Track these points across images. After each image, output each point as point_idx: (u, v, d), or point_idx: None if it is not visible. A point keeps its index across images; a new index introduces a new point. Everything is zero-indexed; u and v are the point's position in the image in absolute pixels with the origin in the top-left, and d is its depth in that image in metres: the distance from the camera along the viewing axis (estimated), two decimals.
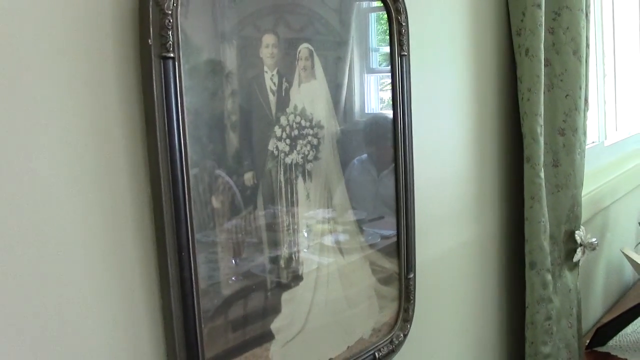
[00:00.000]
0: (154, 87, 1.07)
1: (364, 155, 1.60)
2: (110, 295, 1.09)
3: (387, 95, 1.65)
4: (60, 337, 1.02)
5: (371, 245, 1.63)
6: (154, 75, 1.07)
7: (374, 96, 1.66)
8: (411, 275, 1.74)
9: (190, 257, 1.12)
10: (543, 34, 2.19)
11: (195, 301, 1.14)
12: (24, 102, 0.96)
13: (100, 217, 1.06)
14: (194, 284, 1.14)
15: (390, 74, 1.64)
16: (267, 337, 1.36)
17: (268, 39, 1.31)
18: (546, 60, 2.28)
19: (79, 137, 1.03)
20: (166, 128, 1.08)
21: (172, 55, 1.08)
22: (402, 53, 1.64)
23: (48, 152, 0.99)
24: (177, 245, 1.11)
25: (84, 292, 1.05)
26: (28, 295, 0.97)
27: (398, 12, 1.61)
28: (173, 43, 1.08)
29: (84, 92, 1.03)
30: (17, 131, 0.95)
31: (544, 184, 2.25)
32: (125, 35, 1.08)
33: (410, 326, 1.75)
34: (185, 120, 1.11)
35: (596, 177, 3.24)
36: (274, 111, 1.33)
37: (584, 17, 2.38)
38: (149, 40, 1.07)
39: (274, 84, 1.32)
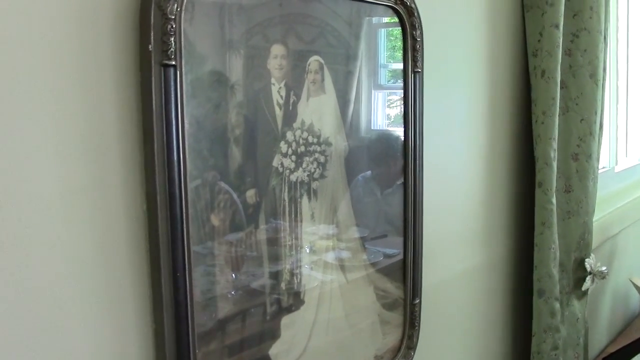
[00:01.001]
0: (153, 96, 1.00)
1: (370, 173, 1.53)
2: (98, 316, 1.02)
3: (397, 112, 1.59)
4: (42, 353, 0.95)
5: (376, 269, 1.56)
6: (153, 83, 1.00)
7: (382, 113, 1.59)
8: (417, 301, 1.67)
9: (185, 279, 1.05)
10: (560, 55, 2.13)
11: (190, 325, 1.07)
12: (12, 109, 0.89)
13: (90, 233, 0.99)
14: (188, 307, 1.07)
15: (402, 91, 1.57)
16: None
17: (277, 49, 1.24)
18: (562, 82, 2.22)
19: (72, 147, 0.96)
20: (164, 140, 1.02)
21: (173, 62, 1.02)
22: (416, 69, 1.57)
23: (38, 163, 0.92)
24: (173, 265, 1.04)
25: (70, 312, 0.98)
26: (14, 314, 0.91)
27: (413, 27, 1.55)
28: (175, 50, 1.02)
29: (79, 100, 0.96)
30: (6, 140, 0.88)
31: (555, 210, 2.18)
32: (125, 40, 1.02)
33: (414, 354, 1.68)
34: (186, 132, 1.04)
35: (605, 204, 3.16)
36: (280, 126, 1.26)
37: (602, 39, 2.32)
38: (150, 46, 1.00)
39: (281, 97, 1.26)
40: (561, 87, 2.21)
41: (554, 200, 2.16)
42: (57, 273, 0.95)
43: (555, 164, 2.16)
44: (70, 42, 0.95)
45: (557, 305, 2.24)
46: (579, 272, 2.45)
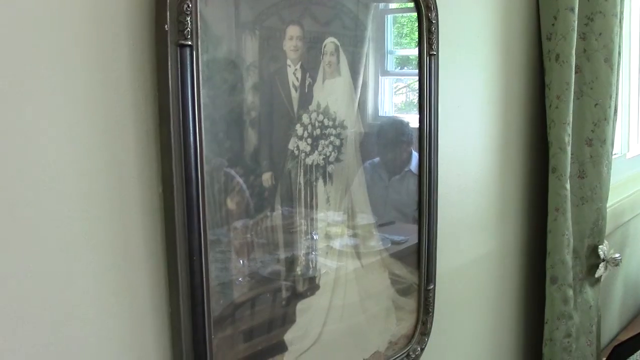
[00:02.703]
0: (170, 76, 0.99)
1: (386, 158, 1.51)
2: (113, 301, 1.00)
3: (413, 96, 1.56)
4: (62, 341, 0.94)
5: (391, 254, 1.54)
6: (169, 63, 0.98)
7: (398, 97, 1.57)
8: (431, 287, 1.66)
9: (202, 263, 1.04)
10: (575, 39, 2.10)
11: (205, 310, 1.06)
12: (27, 92, 0.87)
13: (105, 216, 0.98)
14: (204, 291, 1.05)
15: (417, 74, 1.55)
16: (279, 348, 1.27)
17: (292, 30, 1.22)
18: (576, 67, 2.19)
19: (86, 129, 0.94)
20: (181, 122, 1.00)
21: (189, 43, 1.00)
22: (431, 52, 1.55)
23: (51, 146, 0.90)
24: (189, 249, 1.03)
25: (85, 298, 0.96)
26: (31, 295, 0.89)
27: (429, 8, 1.52)
28: (191, 30, 1.00)
29: (93, 81, 0.95)
30: (21, 123, 0.87)
31: (569, 196, 2.16)
32: (141, 20, 1.00)
33: (427, 340, 1.66)
34: (202, 114, 1.02)
35: (617, 191, 3.13)
36: (295, 108, 1.24)
37: (617, 22, 2.29)
38: (165, 26, 0.98)
39: (297, 79, 1.24)
40: (575, 72, 2.18)
41: (567, 186, 2.14)
42: (71, 257, 0.94)
43: (569, 149, 2.13)
44: (85, 22, 0.93)
45: (570, 292, 2.22)
46: (592, 259, 2.43)
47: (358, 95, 1.42)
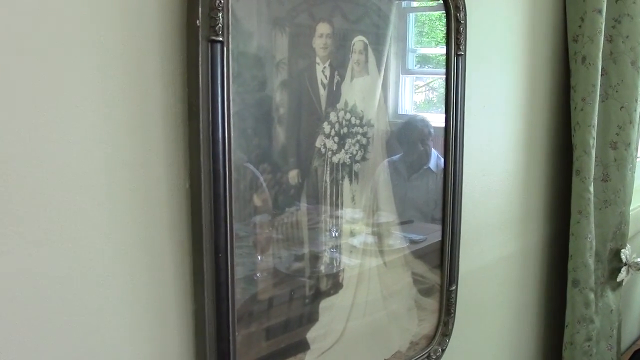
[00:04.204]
0: (200, 72, 0.98)
1: (407, 156, 1.50)
2: (138, 297, 1.00)
3: (432, 94, 1.56)
4: (83, 330, 0.94)
5: (414, 254, 1.53)
6: (200, 59, 0.98)
7: (424, 96, 1.56)
8: (453, 287, 1.65)
9: (227, 260, 1.04)
10: (602, 41, 2.08)
11: (230, 307, 1.05)
12: (56, 86, 0.87)
13: (133, 210, 0.97)
14: (230, 288, 1.05)
15: (445, 74, 1.54)
16: (302, 346, 1.27)
17: (322, 28, 1.22)
18: (602, 69, 2.17)
19: (117, 122, 0.94)
20: (210, 117, 0.99)
21: (220, 39, 0.99)
22: (459, 52, 1.54)
23: (82, 139, 0.90)
24: (215, 245, 1.02)
25: (109, 292, 0.96)
26: (54, 293, 0.89)
27: (457, 9, 1.51)
28: (223, 26, 1.00)
29: (123, 75, 0.94)
30: (53, 115, 0.87)
31: (592, 199, 2.14)
32: (173, 15, 1.00)
33: (449, 341, 1.66)
34: (231, 110, 1.02)
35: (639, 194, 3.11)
36: (323, 106, 1.24)
37: None
38: (197, 21, 0.98)
39: (326, 77, 1.23)
40: (601, 74, 2.16)
41: (591, 189, 2.13)
42: (98, 251, 0.94)
43: (593, 152, 2.12)
44: (116, 16, 0.93)
45: (592, 295, 2.21)
46: (614, 263, 2.41)
47: (394, 93, 1.41)
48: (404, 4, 1.44)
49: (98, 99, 0.92)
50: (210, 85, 0.99)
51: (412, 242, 1.56)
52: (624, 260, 2.39)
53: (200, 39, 0.98)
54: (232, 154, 1.03)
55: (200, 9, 0.98)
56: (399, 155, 1.49)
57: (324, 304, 1.30)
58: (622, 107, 2.25)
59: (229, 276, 1.04)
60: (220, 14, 0.99)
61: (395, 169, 1.47)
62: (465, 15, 1.54)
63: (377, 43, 1.36)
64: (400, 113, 1.50)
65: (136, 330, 1.01)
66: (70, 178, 0.90)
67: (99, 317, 0.95)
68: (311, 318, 1.28)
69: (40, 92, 0.85)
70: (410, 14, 1.51)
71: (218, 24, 0.99)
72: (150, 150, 0.99)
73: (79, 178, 0.91)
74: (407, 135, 1.52)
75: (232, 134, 1.02)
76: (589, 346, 2.22)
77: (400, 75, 1.47)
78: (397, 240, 1.49)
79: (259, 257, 1.15)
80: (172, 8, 1.00)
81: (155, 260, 1.01)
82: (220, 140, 1.01)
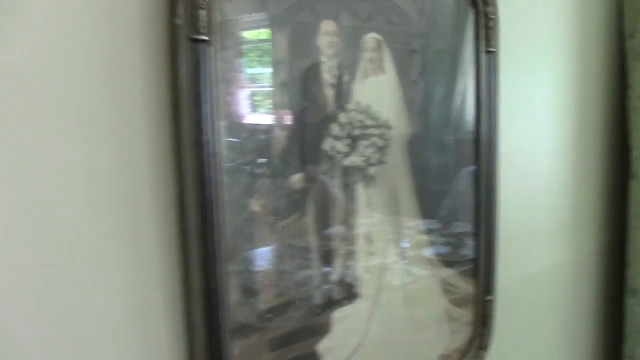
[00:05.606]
0: (182, 73, 0.94)
1: (440, 161, 1.43)
2: (124, 316, 0.96)
3: (469, 95, 1.48)
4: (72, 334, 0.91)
5: (443, 262, 1.46)
6: (181, 60, 0.94)
7: (454, 97, 1.49)
8: (490, 298, 1.56)
9: (216, 269, 0.99)
10: None
11: (221, 316, 1.01)
12: (32, 88, 0.85)
13: (116, 220, 0.94)
14: (221, 298, 1.00)
15: (475, 72, 1.46)
16: (312, 359, 1.21)
17: (327, 25, 1.16)
18: None
19: (96, 127, 0.91)
20: (194, 120, 0.95)
21: (205, 37, 0.95)
22: (489, 49, 1.46)
23: (60, 145, 0.87)
24: (204, 255, 0.98)
25: (91, 312, 0.93)
26: (40, 313, 0.87)
27: (485, 3, 1.44)
28: (208, 24, 0.95)
29: (102, 74, 0.91)
30: (28, 119, 0.84)
31: None
32: (154, 14, 0.96)
33: (486, 355, 1.57)
34: (220, 113, 0.97)
35: None
36: (331, 107, 1.18)
37: None
38: (177, 20, 0.94)
39: (333, 76, 1.18)
40: None
41: None
42: (80, 267, 0.91)
43: None
44: (98, 15, 0.90)
45: None
46: None
47: (416, 93, 1.35)
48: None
49: (78, 101, 0.88)
50: (193, 86, 0.95)
51: (454, 249, 1.49)
52: None
53: (181, 38, 0.94)
54: (222, 157, 0.98)
55: (180, 8, 0.94)
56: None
57: (338, 314, 1.24)
58: None
59: (219, 286, 1.00)
60: (204, 12, 0.95)
61: (420, 172, 1.41)
62: (495, 9, 1.46)
63: (395, 41, 1.30)
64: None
65: (123, 349, 0.97)
66: (49, 184, 0.87)
67: (86, 334, 0.92)
68: (322, 329, 1.22)
69: (17, 93, 0.83)
70: (449, 5, 1.44)
71: (200, 22, 0.95)
72: (133, 155, 0.95)
73: (57, 184, 0.88)
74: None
75: (221, 137, 0.98)
76: None
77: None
78: (423, 247, 1.42)
79: (259, 264, 1.10)
80: (155, 6, 0.96)
81: (141, 273, 0.98)
82: (208, 143, 0.96)
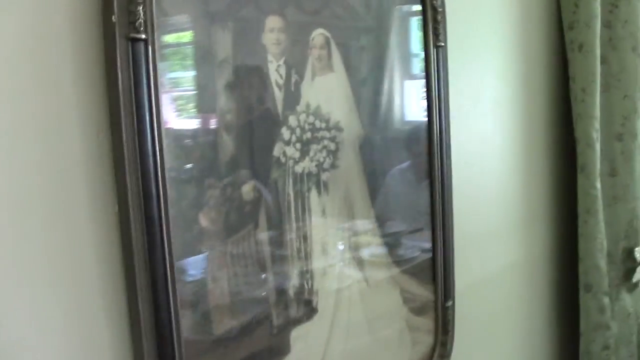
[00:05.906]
0: (119, 74, 0.84)
1: (393, 162, 1.36)
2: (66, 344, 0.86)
3: (419, 93, 1.41)
4: None
5: (401, 269, 1.38)
6: (118, 60, 0.84)
7: (404, 94, 1.42)
8: (449, 303, 1.49)
9: (165, 291, 0.89)
10: (599, 27, 1.94)
11: (175, 349, 0.91)
12: None
13: (49, 242, 0.84)
14: (172, 325, 0.90)
15: (424, 68, 1.39)
16: None
17: (273, 21, 1.08)
18: (602, 57, 2.02)
19: (24, 138, 0.81)
20: (135, 127, 0.85)
21: (143, 36, 0.86)
22: (438, 43, 1.40)
23: None
24: (150, 276, 0.88)
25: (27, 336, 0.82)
26: None
27: None
28: (146, 21, 0.86)
29: (31, 78, 0.81)
30: None
31: (600, 196, 1.99)
32: (87, 11, 0.86)
33: None
34: (162, 118, 0.88)
35: None
36: (280, 109, 1.09)
37: None
38: (113, 18, 0.84)
39: (281, 76, 1.09)
40: (601, 62, 2.02)
41: (598, 185, 1.98)
42: (10, 299, 0.80)
43: (598, 146, 1.98)
44: (13, 11, 0.79)
45: (606, 300, 2.06)
46: (628, 263, 2.25)
47: (367, 92, 1.27)
48: None
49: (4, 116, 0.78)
50: (132, 89, 0.85)
51: (412, 254, 1.42)
52: (639, 259, 2.24)
53: (117, 37, 0.84)
54: (166, 169, 0.88)
55: (115, 4, 0.84)
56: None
57: (296, 332, 1.15)
58: (625, 96, 2.10)
59: (171, 310, 0.90)
60: (141, 8, 0.85)
61: (391, 176, 1.33)
62: (442, 2, 1.39)
63: (344, 37, 1.22)
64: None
65: None
66: None
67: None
68: (282, 349, 1.13)
69: None
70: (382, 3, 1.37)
71: (138, 19, 0.85)
72: (68, 168, 0.85)
73: None
74: (403, 137, 1.38)
75: (164, 146, 0.88)
76: (607, 355, 2.08)
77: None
78: (380, 254, 1.34)
79: (210, 285, 1.00)
80: (89, 3, 0.86)
81: (83, 299, 0.87)
82: (150, 154, 0.87)
